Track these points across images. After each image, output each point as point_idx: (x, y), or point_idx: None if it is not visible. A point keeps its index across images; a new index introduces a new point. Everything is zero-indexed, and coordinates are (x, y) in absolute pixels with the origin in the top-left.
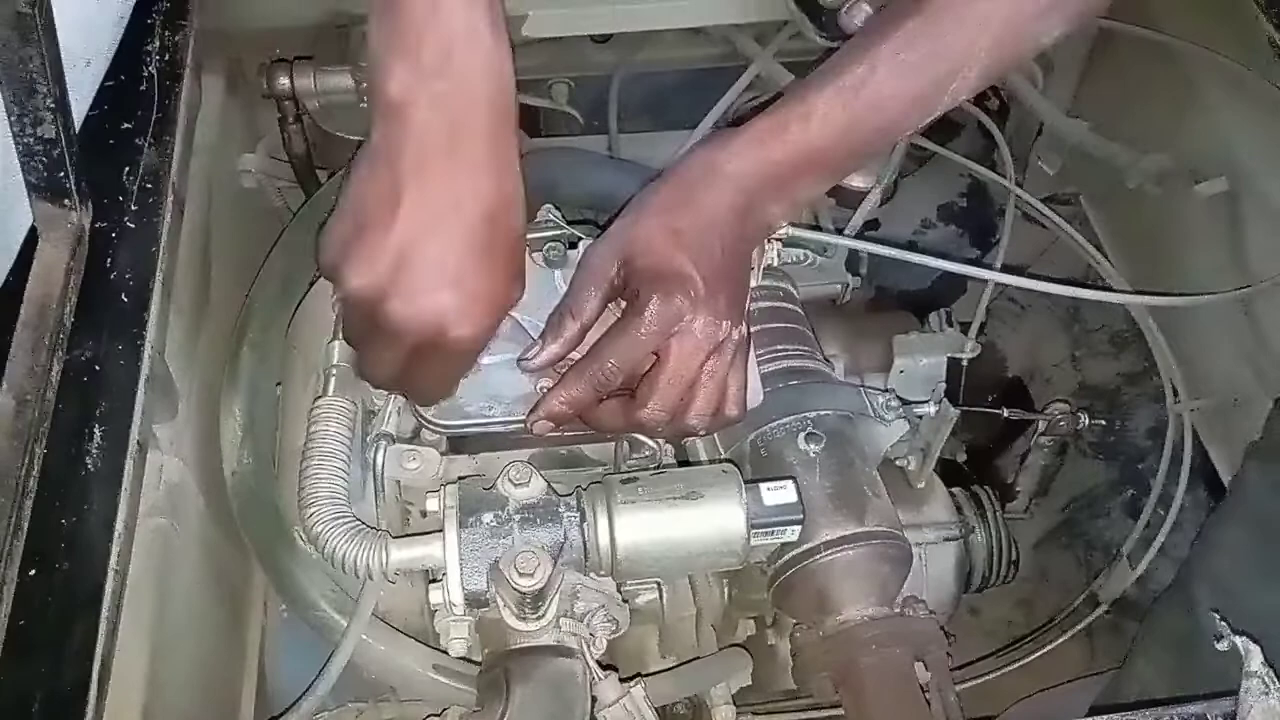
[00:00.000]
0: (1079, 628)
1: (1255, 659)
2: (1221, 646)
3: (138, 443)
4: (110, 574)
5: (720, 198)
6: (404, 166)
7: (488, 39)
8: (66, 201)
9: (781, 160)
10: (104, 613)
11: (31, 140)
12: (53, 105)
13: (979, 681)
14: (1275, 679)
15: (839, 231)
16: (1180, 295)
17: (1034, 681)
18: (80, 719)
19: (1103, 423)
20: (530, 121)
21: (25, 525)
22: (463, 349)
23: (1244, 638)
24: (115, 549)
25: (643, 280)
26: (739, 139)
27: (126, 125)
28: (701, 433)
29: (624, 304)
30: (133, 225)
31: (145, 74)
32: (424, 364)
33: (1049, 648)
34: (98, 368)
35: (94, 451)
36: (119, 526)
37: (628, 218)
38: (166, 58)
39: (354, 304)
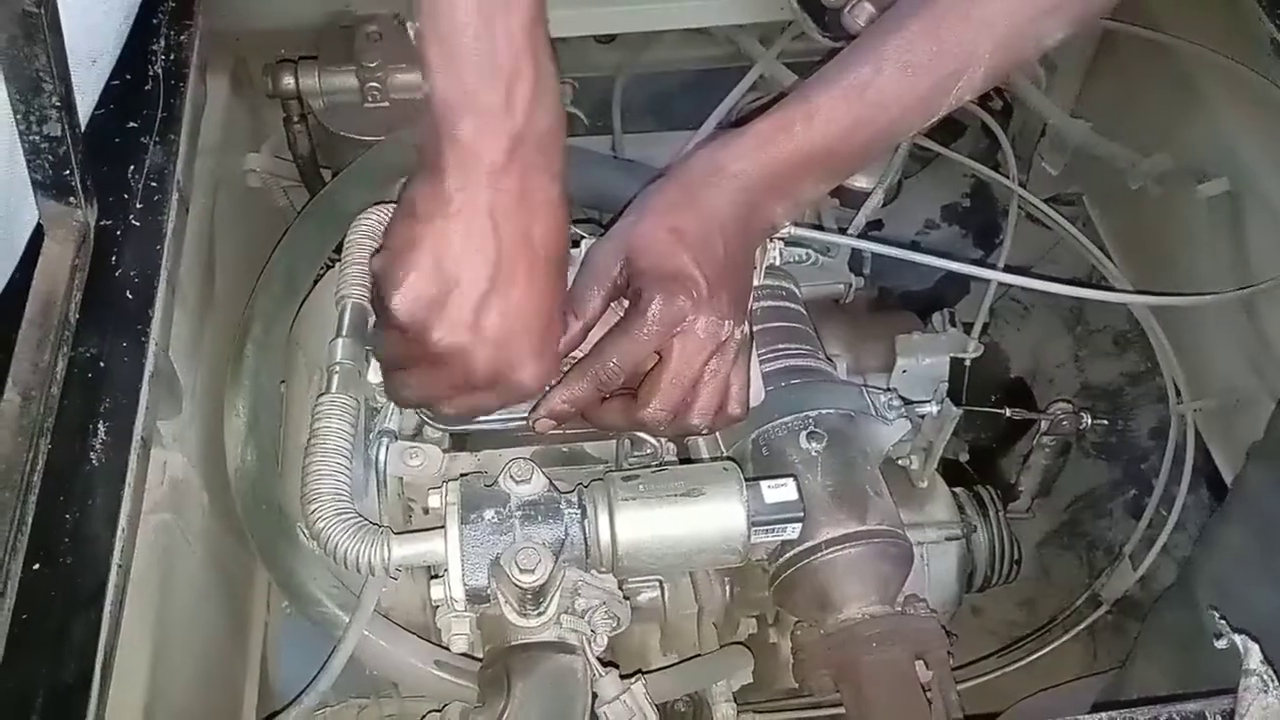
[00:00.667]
0: (1081, 627)
1: (1254, 657)
2: (1220, 644)
3: (141, 439)
4: (113, 569)
5: (723, 197)
6: (482, 217)
7: (548, 65)
8: (72, 199)
9: (785, 160)
10: (107, 608)
11: (37, 138)
12: (58, 103)
13: (981, 680)
14: (1274, 677)
15: (842, 231)
16: (1183, 295)
17: (1036, 681)
18: (83, 714)
19: (1105, 423)
20: None
21: (29, 520)
22: (539, 385)
23: (1243, 635)
24: (118, 545)
25: (645, 280)
26: (742, 139)
27: (132, 124)
28: (704, 431)
29: (626, 303)
30: (138, 223)
31: (151, 73)
32: (486, 398)
33: (1051, 647)
34: (102, 364)
35: (98, 447)
36: (122, 522)
37: (631, 217)
38: (172, 57)
39: (441, 356)
